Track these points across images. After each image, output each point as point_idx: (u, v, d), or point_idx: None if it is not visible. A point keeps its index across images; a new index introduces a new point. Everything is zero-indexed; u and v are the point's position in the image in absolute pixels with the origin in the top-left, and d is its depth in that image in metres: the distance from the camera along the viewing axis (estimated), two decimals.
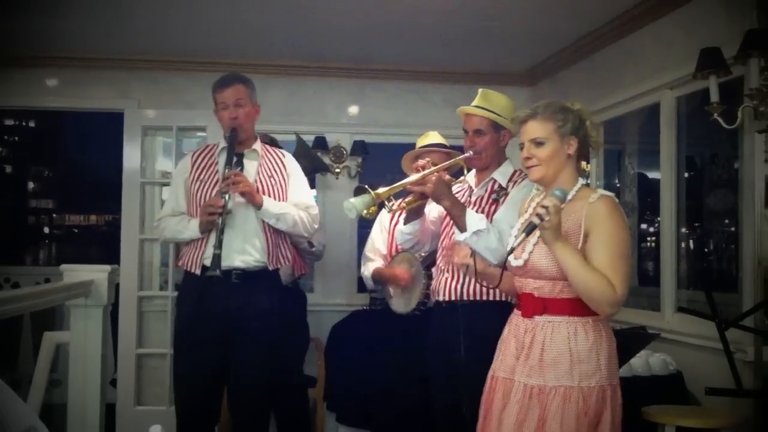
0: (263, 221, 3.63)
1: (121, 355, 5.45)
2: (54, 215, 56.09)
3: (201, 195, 3.65)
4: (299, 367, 4.70)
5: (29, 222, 54.58)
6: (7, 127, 53.92)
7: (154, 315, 5.61)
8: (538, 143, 2.55)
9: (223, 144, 3.73)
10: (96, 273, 3.53)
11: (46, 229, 55.48)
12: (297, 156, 5.11)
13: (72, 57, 5.58)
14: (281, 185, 3.73)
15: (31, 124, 54.17)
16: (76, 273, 3.51)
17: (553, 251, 2.41)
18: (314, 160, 5.32)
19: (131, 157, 5.62)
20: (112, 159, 6.85)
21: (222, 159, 3.68)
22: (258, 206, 3.59)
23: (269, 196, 3.66)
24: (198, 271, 3.59)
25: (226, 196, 3.50)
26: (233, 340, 3.59)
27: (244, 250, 3.59)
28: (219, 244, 3.48)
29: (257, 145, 3.78)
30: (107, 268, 3.59)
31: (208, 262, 3.52)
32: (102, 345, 3.55)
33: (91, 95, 5.74)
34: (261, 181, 3.68)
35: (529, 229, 2.46)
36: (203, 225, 3.56)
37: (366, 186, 3.14)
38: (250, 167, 3.69)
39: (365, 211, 3.11)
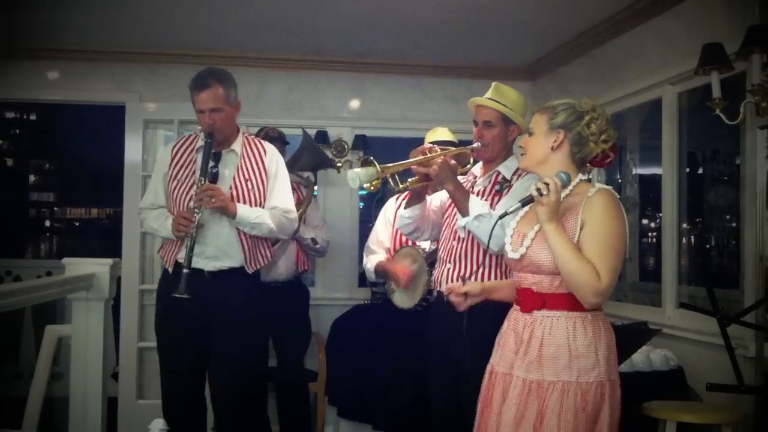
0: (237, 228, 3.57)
1: (123, 348, 5.46)
2: (55, 208, 56.10)
3: (177, 195, 3.59)
4: (300, 362, 4.70)
5: (30, 215, 54.60)
6: (7, 119, 53.85)
7: (155, 309, 5.60)
8: (530, 133, 2.61)
9: (201, 141, 3.63)
10: (98, 266, 3.53)
11: (47, 223, 55.50)
12: (302, 150, 5.12)
13: (73, 50, 5.57)
14: (259, 189, 3.64)
15: (32, 117, 54.11)
16: (77, 266, 3.52)
17: (545, 231, 2.41)
18: (319, 155, 5.30)
19: (132, 150, 5.63)
20: (113, 152, 6.84)
21: (200, 158, 3.57)
22: (232, 216, 3.51)
23: (245, 201, 3.57)
24: (170, 268, 3.58)
25: (198, 212, 3.43)
26: (209, 334, 3.56)
27: (217, 257, 3.55)
28: (188, 263, 3.41)
29: (237, 144, 3.66)
30: (109, 261, 3.59)
31: (181, 259, 3.47)
32: (103, 338, 3.56)
33: (92, 88, 5.74)
34: (237, 187, 3.59)
35: (526, 200, 2.49)
36: (175, 235, 3.51)
37: (372, 158, 3.12)
38: (227, 172, 3.60)
39: (367, 184, 3.10)
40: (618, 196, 2.55)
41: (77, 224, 54.29)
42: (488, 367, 2.66)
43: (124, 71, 5.71)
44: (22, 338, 6.44)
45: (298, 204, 4.53)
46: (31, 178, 56.03)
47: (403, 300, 4.18)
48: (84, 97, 5.86)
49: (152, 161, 5.83)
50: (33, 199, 55.55)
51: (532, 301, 2.52)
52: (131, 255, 5.53)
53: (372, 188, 3.15)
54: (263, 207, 3.63)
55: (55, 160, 56.28)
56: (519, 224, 2.60)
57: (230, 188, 3.58)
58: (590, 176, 2.67)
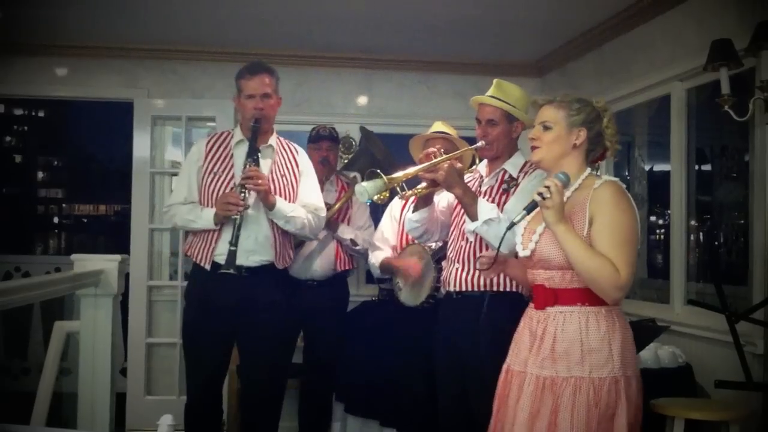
0: (272, 221, 3.61)
1: (131, 344, 5.48)
2: (63, 205, 56.18)
3: (214, 188, 3.61)
4: (327, 363, 4.62)
5: (39, 211, 54.72)
6: (16, 116, 53.99)
7: (163, 304, 5.63)
8: (546, 127, 2.58)
9: (239, 135, 3.70)
10: (106, 262, 3.55)
11: (56, 219, 55.63)
12: (360, 154, 5.08)
13: (81, 46, 5.58)
14: (292, 185, 3.70)
15: (41, 113, 54.22)
16: (86, 262, 3.53)
17: (555, 233, 2.41)
18: (374, 160, 4.97)
19: (141, 146, 5.63)
20: (121, 149, 6.88)
21: (237, 152, 3.65)
22: (271, 207, 3.55)
23: (280, 195, 3.63)
24: (208, 266, 3.58)
25: (245, 192, 3.47)
26: (242, 333, 3.60)
27: (254, 250, 3.58)
28: (236, 241, 3.43)
29: (273, 140, 3.75)
30: (117, 257, 3.61)
31: (219, 259, 3.51)
32: (112, 334, 3.58)
33: (100, 84, 5.75)
34: (273, 180, 3.64)
35: (530, 207, 2.49)
36: (219, 218, 3.53)
37: (378, 171, 3.12)
38: (264, 165, 3.65)
39: (376, 196, 3.11)
40: (624, 186, 2.55)
41: (85, 220, 54.37)
42: (504, 366, 2.65)
43: (132, 68, 5.72)
44: (31, 334, 6.47)
45: (334, 202, 4.54)
46: (40, 174, 56.14)
47: (409, 297, 4.19)
48: (92, 93, 5.87)
49: (160, 158, 5.86)
50: (41, 196, 55.67)
51: (545, 297, 2.51)
52: (139, 251, 5.54)
53: (381, 200, 3.16)
54: (294, 203, 3.68)
55: (63, 157, 56.39)
56: (530, 222, 2.59)
57: (267, 181, 3.62)
58: (598, 171, 2.68)
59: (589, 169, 2.57)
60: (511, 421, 2.48)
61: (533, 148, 2.61)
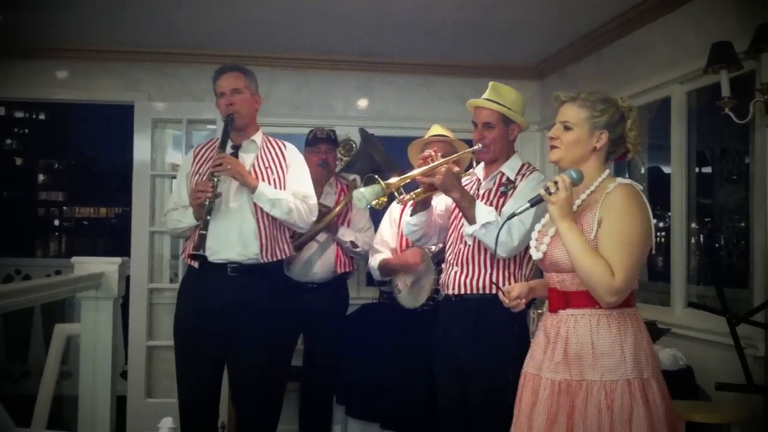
0: (259, 213, 3.59)
1: (132, 347, 5.47)
2: (64, 207, 56.31)
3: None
4: (327, 366, 4.60)
5: (39, 214, 54.85)
6: (17, 119, 54.14)
7: (164, 307, 5.61)
8: (567, 127, 2.52)
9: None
10: (106, 265, 3.55)
11: (56, 222, 55.72)
12: (359, 156, 5.06)
13: (82, 49, 5.58)
14: (279, 176, 3.68)
15: (41, 116, 54.36)
16: (86, 265, 3.53)
17: (559, 229, 2.39)
18: (373, 162, 5.02)
19: (141, 149, 5.63)
20: (122, 151, 6.88)
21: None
22: (252, 189, 3.55)
23: None
24: (195, 264, 3.59)
25: (215, 179, 3.48)
26: (231, 334, 3.58)
27: (239, 242, 3.57)
28: (205, 226, 3.45)
29: (257, 137, 3.75)
30: (117, 260, 3.60)
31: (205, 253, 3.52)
32: (112, 337, 3.57)
33: (101, 87, 5.75)
34: (257, 172, 3.64)
35: (535, 200, 2.47)
36: (195, 210, 3.56)
37: (376, 176, 3.13)
38: (247, 158, 3.66)
39: (375, 202, 3.11)
40: (641, 188, 2.50)
41: (86, 223, 54.47)
42: (522, 370, 2.61)
43: (133, 70, 5.72)
44: (32, 337, 6.48)
45: (334, 205, 4.53)
46: (40, 177, 56.26)
47: (409, 300, 4.19)
48: (93, 96, 5.87)
49: (161, 160, 5.86)
50: (42, 199, 55.78)
51: (558, 300, 2.49)
52: (140, 254, 5.54)
53: (379, 206, 3.16)
54: None
55: (64, 160, 56.51)
56: (543, 225, 2.57)
57: (250, 172, 3.62)
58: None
59: (607, 171, 2.52)
60: (527, 426, 2.45)
61: (552, 147, 2.55)
